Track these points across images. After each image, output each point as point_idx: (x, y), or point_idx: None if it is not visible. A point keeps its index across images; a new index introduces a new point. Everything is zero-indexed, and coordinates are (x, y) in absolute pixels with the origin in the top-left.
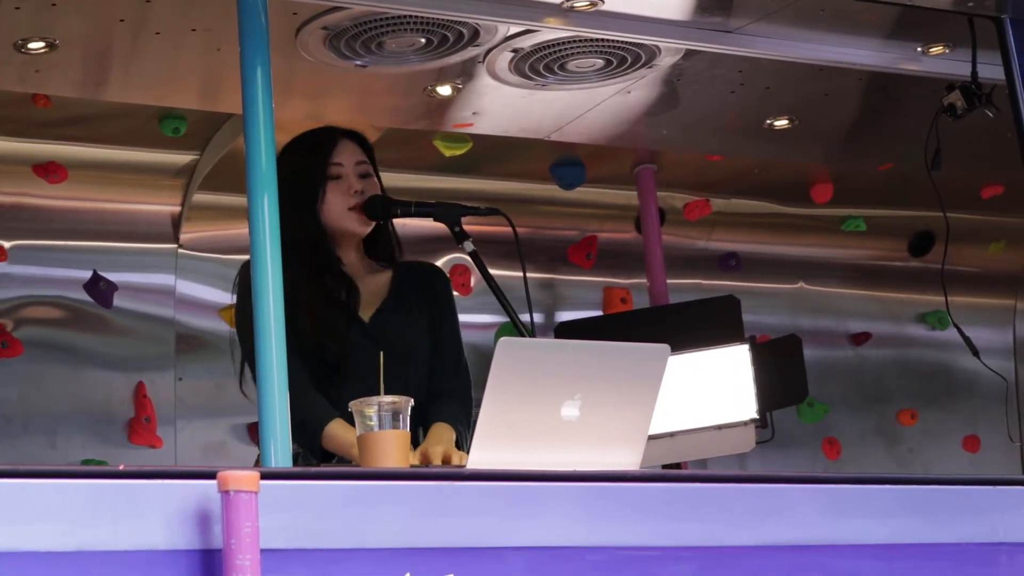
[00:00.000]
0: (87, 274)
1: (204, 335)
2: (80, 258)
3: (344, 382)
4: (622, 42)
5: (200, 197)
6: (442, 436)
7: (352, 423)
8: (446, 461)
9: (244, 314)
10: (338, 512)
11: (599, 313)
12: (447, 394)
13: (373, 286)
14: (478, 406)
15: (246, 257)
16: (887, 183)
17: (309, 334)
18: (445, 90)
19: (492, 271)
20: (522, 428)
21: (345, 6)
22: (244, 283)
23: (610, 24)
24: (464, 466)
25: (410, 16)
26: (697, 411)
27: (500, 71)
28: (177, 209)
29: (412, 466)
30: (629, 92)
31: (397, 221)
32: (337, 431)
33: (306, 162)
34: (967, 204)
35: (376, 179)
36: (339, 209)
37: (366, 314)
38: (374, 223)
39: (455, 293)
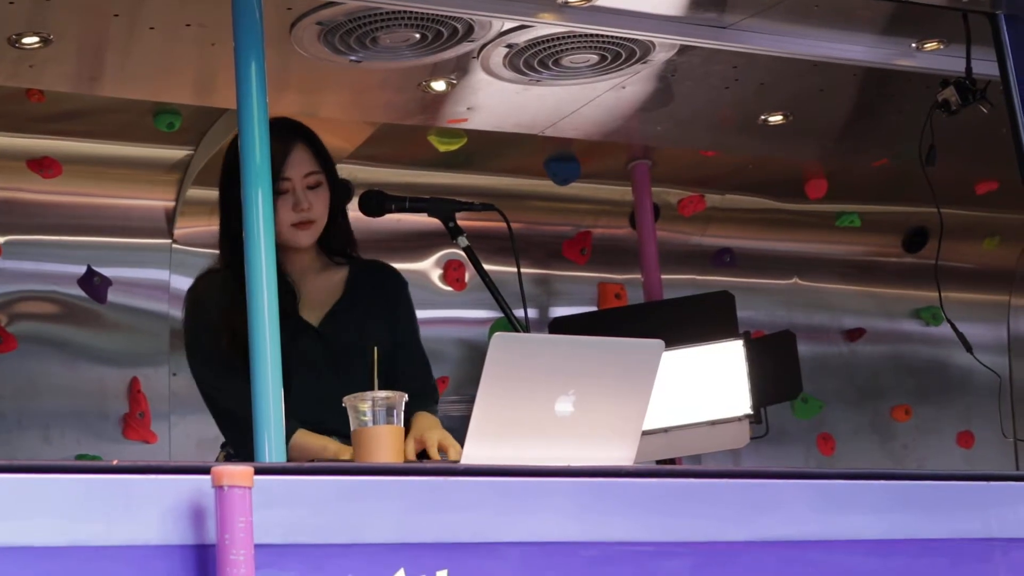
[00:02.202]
0: (81, 269)
1: None
2: (74, 253)
3: (295, 389)
4: (616, 38)
5: (194, 192)
6: (434, 423)
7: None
8: (442, 449)
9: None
10: (332, 507)
11: (593, 309)
12: (418, 393)
13: (326, 285)
14: (471, 401)
15: None
16: (881, 179)
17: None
18: (439, 85)
19: (486, 266)
20: (516, 423)
21: (339, 1)
22: (190, 298)
23: (604, 20)
24: (459, 456)
25: (404, 11)
26: (691, 407)
27: (494, 66)
28: (171, 204)
29: (408, 461)
30: (624, 88)
31: (393, 216)
32: (303, 440)
33: None
34: (961, 200)
35: (328, 184)
36: (283, 225)
37: (316, 316)
38: (318, 236)
39: (449, 288)
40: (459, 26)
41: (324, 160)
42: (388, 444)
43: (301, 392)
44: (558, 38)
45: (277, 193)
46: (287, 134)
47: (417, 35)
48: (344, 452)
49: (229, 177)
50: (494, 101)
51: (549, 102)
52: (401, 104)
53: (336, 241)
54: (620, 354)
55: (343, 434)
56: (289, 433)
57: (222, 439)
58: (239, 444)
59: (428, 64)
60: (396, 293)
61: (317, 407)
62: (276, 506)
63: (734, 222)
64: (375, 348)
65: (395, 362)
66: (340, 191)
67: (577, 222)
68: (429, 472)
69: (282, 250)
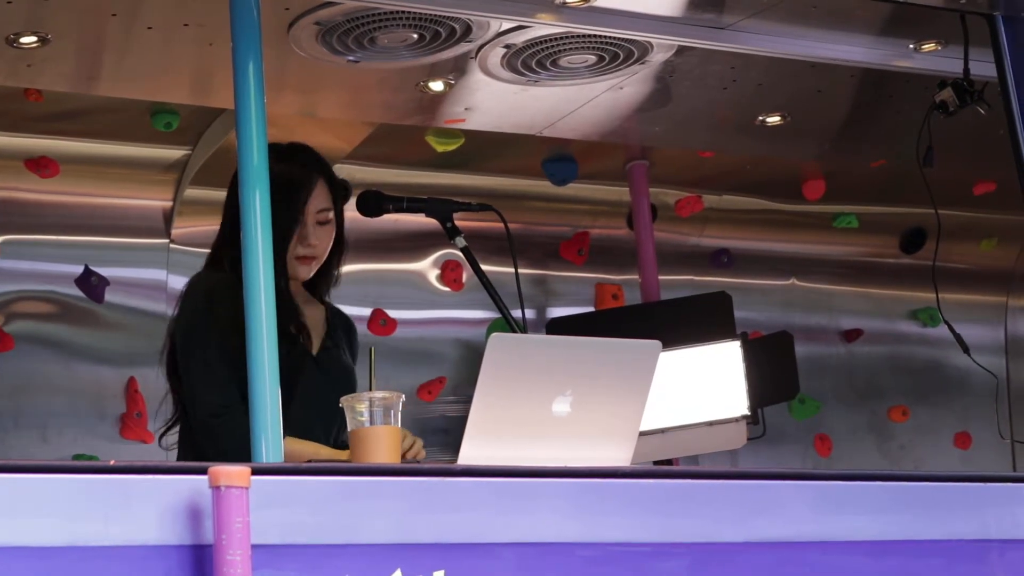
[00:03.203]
0: (79, 269)
1: None
2: (72, 253)
3: (292, 415)
4: (614, 38)
5: (192, 192)
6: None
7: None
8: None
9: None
10: (329, 508)
11: (591, 309)
12: None
13: (316, 317)
14: (469, 402)
15: None
16: (879, 180)
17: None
18: (437, 86)
19: (484, 267)
20: (513, 424)
21: (337, 1)
22: (203, 296)
23: (602, 20)
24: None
25: (402, 11)
26: (689, 407)
27: (492, 67)
28: (169, 204)
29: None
30: (621, 88)
31: (391, 217)
32: (294, 447)
33: (277, 199)
34: (959, 201)
35: (337, 222)
36: (288, 255)
37: (313, 346)
38: (314, 271)
39: (446, 288)
40: (457, 26)
41: (336, 198)
42: (385, 444)
43: (297, 418)
44: (556, 39)
45: (292, 222)
46: (311, 165)
47: (415, 35)
48: (337, 457)
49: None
50: (492, 101)
51: (547, 103)
52: (399, 104)
53: (324, 280)
54: (617, 355)
55: None
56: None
57: None
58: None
59: (426, 64)
60: (353, 338)
61: (311, 433)
62: (273, 506)
63: (732, 223)
64: (371, 348)
65: None
66: (342, 231)
67: (575, 222)
68: (426, 472)
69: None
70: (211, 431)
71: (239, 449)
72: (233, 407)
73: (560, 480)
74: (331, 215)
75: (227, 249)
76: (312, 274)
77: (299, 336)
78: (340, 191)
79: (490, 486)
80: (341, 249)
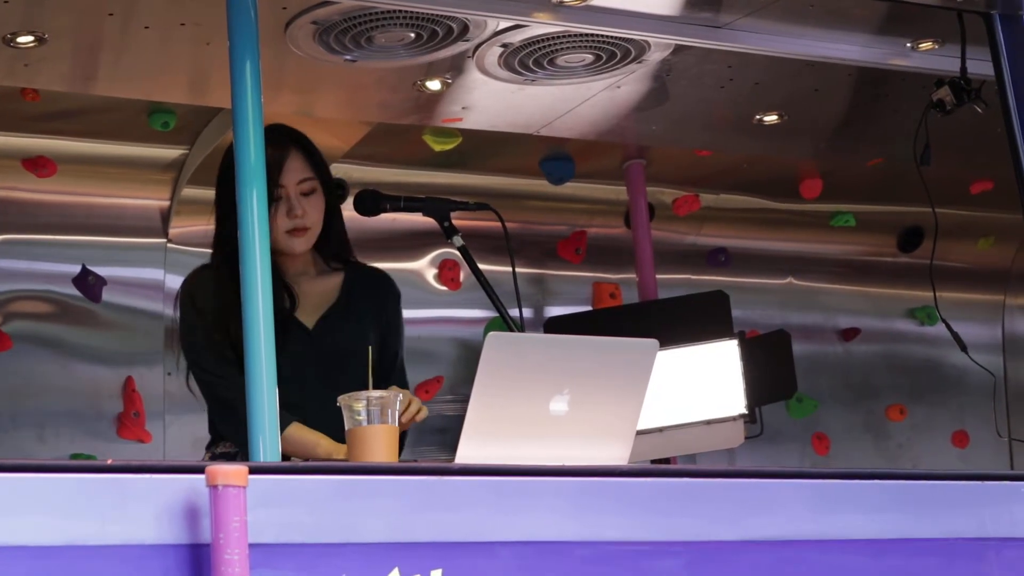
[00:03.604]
0: (76, 268)
1: None
2: (69, 252)
3: (283, 388)
4: (611, 37)
5: (189, 192)
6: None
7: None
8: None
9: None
10: (326, 507)
11: (588, 308)
12: None
13: (322, 288)
14: (466, 401)
15: None
16: (876, 179)
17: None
18: (434, 85)
19: (481, 266)
20: (511, 423)
21: (335, 1)
22: (185, 295)
23: (599, 19)
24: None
25: (399, 11)
26: (686, 406)
27: (489, 66)
28: (166, 203)
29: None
30: (618, 87)
31: (388, 216)
32: (297, 434)
33: None
34: (956, 200)
35: (322, 190)
36: (278, 232)
37: (311, 319)
38: (313, 242)
39: (444, 287)
40: (454, 25)
41: (318, 166)
42: (383, 443)
43: (289, 392)
44: (553, 38)
45: (272, 200)
46: (281, 140)
47: (412, 34)
48: (337, 451)
49: (226, 178)
50: (489, 101)
51: (544, 102)
52: (396, 103)
53: (331, 246)
54: (615, 354)
55: (328, 435)
56: (284, 425)
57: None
58: (235, 434)
59: (423, 63)
60: (390, 302)
61: (303, 409)
62: (271, 505)
63: (729, 222)
64: (369, 348)
65: (379, 364)
66: (334, 196)
67: (572, 222)
68: (424, 472)
69: (279, 254)
70: (220, 413)
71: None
72: (236, 391)
73: (558, 479)
74: (315, 184)
75: (218, 248)
76: (309, 245)
77: (292, 312)
78: (318, 158)
79: (488, 485)
80: (337, 214)
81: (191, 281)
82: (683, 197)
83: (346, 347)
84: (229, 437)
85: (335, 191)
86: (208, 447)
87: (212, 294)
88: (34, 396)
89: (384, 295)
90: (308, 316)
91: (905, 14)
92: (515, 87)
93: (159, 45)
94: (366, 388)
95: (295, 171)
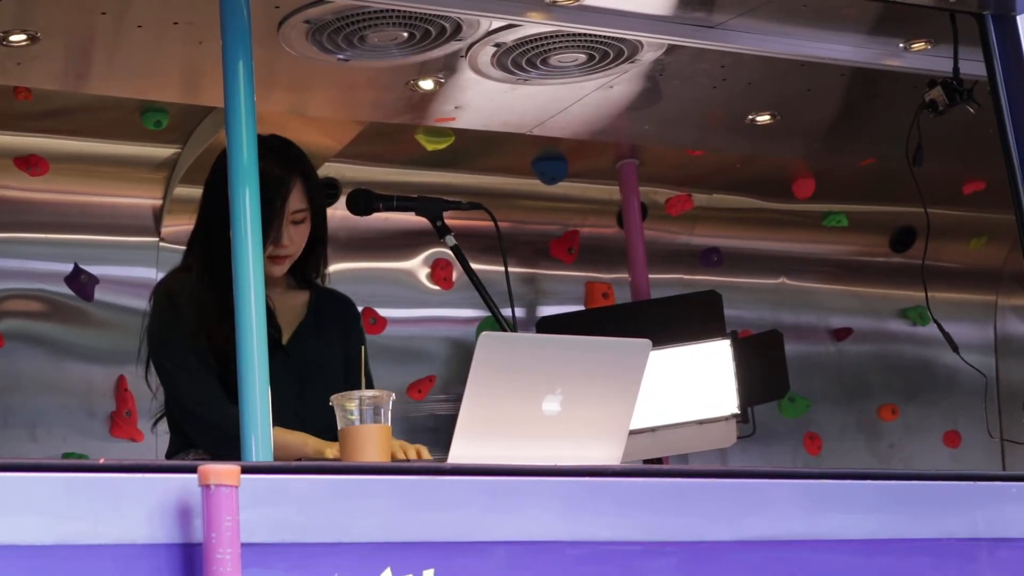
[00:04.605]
0: (68, 267)
1: None
2: (61, 251)
3: None
4: (604, 37)
5: (182, 190)
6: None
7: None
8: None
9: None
10: (319, 506)
11: (581, 308)
12: None
13: (292, 304)
14: (458, 400)
15: None
16: (869, 179)
17: (227, 353)
18: (427, 84)
19: (474, 265)
20: (503, 423)
21: (327, 0)
22: (164, 297)
23: (592, 19)
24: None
25: (392, 10)
26: (678, 406)
27: (482, 66)
28: (159, 202)
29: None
30: (611, 87)
31: (381, 215)
32: (280, 437)
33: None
34: (948, 200)
35: (311, 219)
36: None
37: (284, 335)
38: (288, 267)
39: (436, 287)
40: (447, 25)
41: (313, 193)
42: (375, 443)
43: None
44: (546, 37)
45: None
46: (291, 165)
47: (405, 34)
48: (325, 448)
49: (218, 180)
50: (482, 100)
51: (537, 101)
52: (389, 103)
53: (307, 270)
54: (607, 353)
55: None
56: None
57: None
58: (205, 438)
59: (416, 63)
60: (352, 322)
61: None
62: (263, 505)
63: (722, 221)
64: (363, 348)
65: (347, 379)
66: (322, 222)
67: (565, 221)
68: (416, 471)
69: None
70: (198, 422)
71: (226, 437)
72: (216, 398)
73: (550, 479)
74: (307, 214)
75: (197, 247)
76: (285, 270)
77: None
78: (316, 187)
79: (480, 485)
80: (324, 239)
81: (170, 283)
82: (676, 197)
83: (318, 363)
84: (198, 442)
85: (322, 216)
86: (176, 454)
87: (193, 299)
88: (26, 395)
89: (352, 318)
90: (280, 331)
91: (898, 14)
92: (508, 87)
93: (152, 44)
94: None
95: (295, 200)
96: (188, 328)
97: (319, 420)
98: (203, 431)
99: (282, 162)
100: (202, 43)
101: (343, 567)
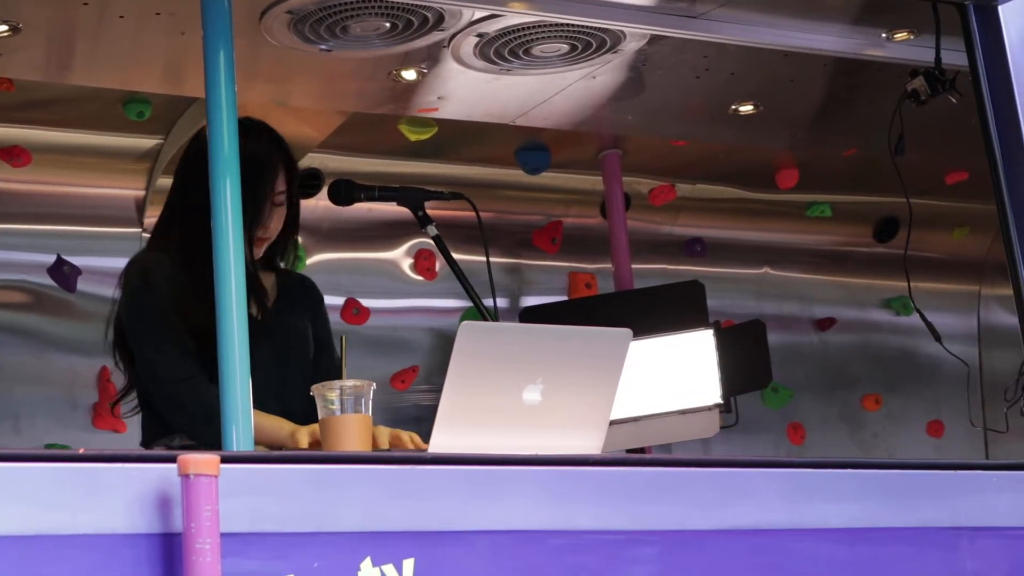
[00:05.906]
0: (51, 258)
1: None
2: (44, 242)
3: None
4: (587, 27)
5: (164, 181)
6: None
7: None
8: (416, 444)
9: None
10: (299, 496)
11: (564, 298)
12: None
13: (263, 284)
14: (440, 390)
15: None
16: (852, 169)
17: (206, 333)
18: (410, 74)
19: (457, 256)
20: (484, 412)
21: None
22: (139, 277)
23: (575, 9)
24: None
25: (375, 0)
26: (661, 396)
27: (465, 56)
28: (141, 193)
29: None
30: (594, 77)
31: (363, 205)
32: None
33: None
34: (931, 190)
35: (292, 203)
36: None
37: (260, 314)
38: (264, 251)
39: (420, 277)
40: (430, 15)
41: (293, 177)
42: (356, 433)
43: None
44: (529, 27)
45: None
46: (274, 149)
47: (388, 24)
48: (301, 433)
49: (196, 162)
50: (465, 90)
51: (520, 91)
52: (371, 93)
53: (275, 253)
54: (587, 343)
55: None
56: None
57: None
58: (184, 420)
59: (399, 53)
60: (317, 302)
61: (263, 404)
62: (242, 494)
63: (705, 211)
64: (343, 337)
65: (318, 362)
66: (296, 207)
67: (547, 211)
68: (397, 461)
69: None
70: (175, 401)
71: (208, 415)
72: (194, 376)
73: (531, 468)
74: (285, 198)
75: (175, 229)
76: (262, 253)
77: (260, 309)
78: (295, 170)
79: (461, 474)
80: (297, 226)
81: (143, 266)
82: (659, 187)
83: (291, 342)
84: (177, 424)
85: (297, 202)
86: (157, 439)
87: (170, 279)
88: (9, 386)
89: (316, 299)
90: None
91: (880, 4)
92: (491, 77)
93: (134, 35)
94: (309, 383)
95: (279, 183)
96: (164, 308)
97: (298, 397)
98: (183, 413)
99: (270, 145)
100: (184, 33)
101: (323, 556)
